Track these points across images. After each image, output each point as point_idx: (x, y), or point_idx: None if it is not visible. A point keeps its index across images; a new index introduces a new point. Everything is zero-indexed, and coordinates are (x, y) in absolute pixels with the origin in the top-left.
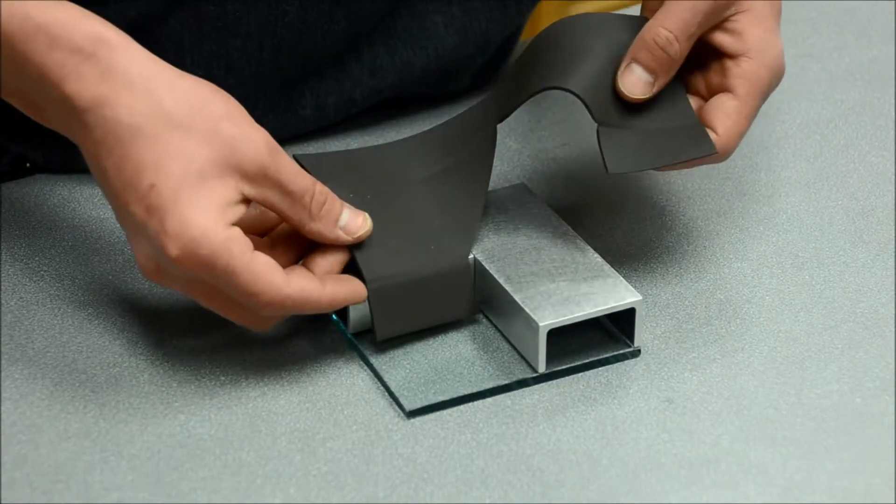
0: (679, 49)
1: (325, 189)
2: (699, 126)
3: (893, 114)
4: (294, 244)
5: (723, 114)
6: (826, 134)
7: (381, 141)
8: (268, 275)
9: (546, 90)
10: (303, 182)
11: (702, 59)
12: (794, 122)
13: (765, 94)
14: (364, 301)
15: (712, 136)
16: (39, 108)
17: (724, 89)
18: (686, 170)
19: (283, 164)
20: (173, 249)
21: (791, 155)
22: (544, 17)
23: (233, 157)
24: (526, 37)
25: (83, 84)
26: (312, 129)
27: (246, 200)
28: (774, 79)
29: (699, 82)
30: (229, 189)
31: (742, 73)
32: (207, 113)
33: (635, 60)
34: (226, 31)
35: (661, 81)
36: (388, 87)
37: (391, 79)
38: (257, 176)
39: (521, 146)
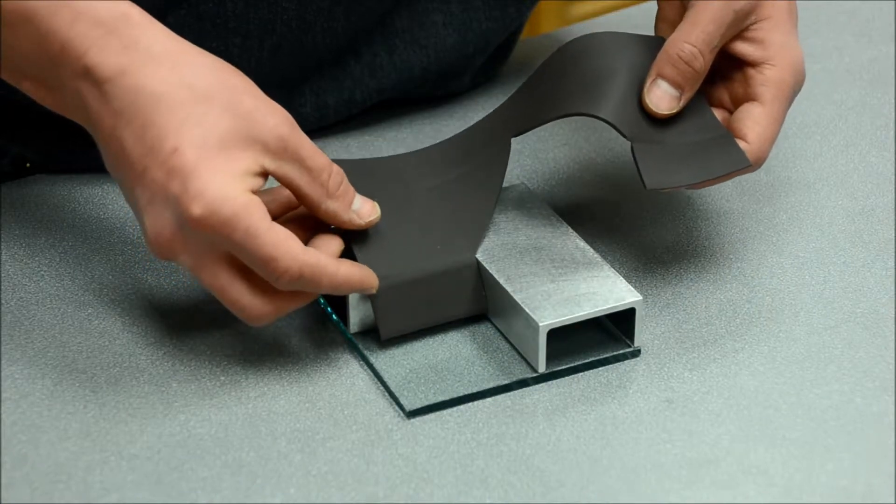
0: (703, 62)
1: (341, 170)
2: (729, 137)
3: (893, 114)
4: (303, 229)
5: (751, 121)
6: (826, 134)
7: (380, 140)
8: (287, 241)
9: (573, 115)
10: (321, 160)
11: (723, 71)
12: (794, 122)
13: (790, 98)
14: (374, 291)
15: (743, 145)
16: (54, 89)
17: (749, 98)
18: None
19: (303, 139)
20: (196, 209)
21: (791, 155)
22: (544, 17)
23: (253, 130)
24: (525, 36)
25: (105, 54)
26: (313, 128)
27: (264, 174)
28: (797, 83)
29: (723, 94)
30: (249, 160)
31: (766, 80)
32: (229, 87)
33: (661, 76)
34: (225, 30)
35: (687, 95)
36: (388, 87)
37: (391, 78)
38: (278, 149)
39: (521, 146)
